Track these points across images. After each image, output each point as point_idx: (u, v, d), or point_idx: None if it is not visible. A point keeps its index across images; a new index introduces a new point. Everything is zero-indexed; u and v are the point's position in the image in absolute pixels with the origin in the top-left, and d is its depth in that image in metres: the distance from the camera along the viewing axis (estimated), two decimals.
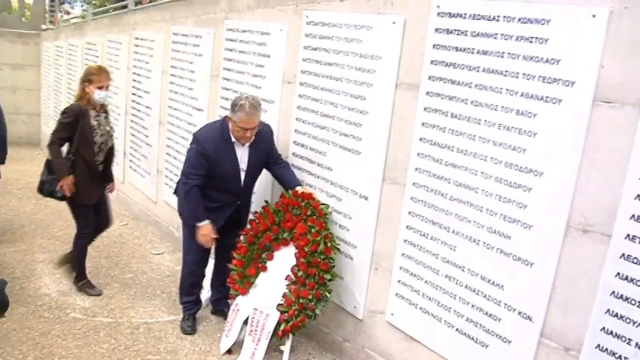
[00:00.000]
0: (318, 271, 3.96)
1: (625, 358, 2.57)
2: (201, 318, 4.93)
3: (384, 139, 3.79)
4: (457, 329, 3.40)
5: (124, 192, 8.22)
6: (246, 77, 5.20)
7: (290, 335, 4.14)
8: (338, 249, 4.11)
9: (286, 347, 4.18)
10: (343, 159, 4.15)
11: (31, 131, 13.56)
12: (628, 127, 2.54)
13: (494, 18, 3.08)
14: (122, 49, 8.33)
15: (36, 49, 13.45)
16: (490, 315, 3.20)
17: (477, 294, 3.26)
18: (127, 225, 7.54)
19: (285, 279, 4.15)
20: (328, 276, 3.97)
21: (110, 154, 5.43)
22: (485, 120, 3.15)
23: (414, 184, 3.61)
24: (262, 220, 4.36)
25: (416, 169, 3.58)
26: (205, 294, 5.13)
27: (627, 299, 2.55)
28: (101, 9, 13.88)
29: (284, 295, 4.09)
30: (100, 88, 5.03)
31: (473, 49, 3.20)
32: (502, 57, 3.05)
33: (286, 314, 4.03)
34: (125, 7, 9.07)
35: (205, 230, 4.36)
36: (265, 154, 4.50)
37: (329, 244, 3.99)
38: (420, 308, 3.63)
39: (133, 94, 7.73)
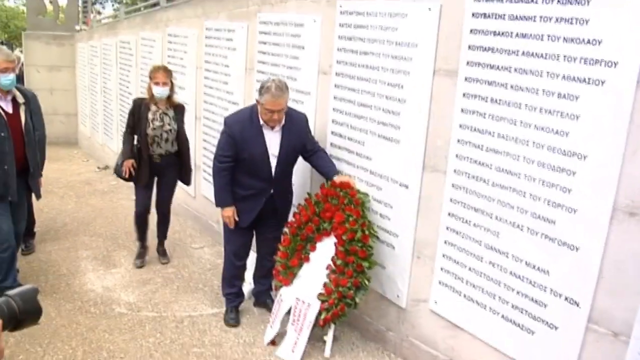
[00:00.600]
0: (356, 259, 3.97)
1: None
2: (244, 310, 4.97)
3: (423, 127, 3.77)
4: (502, 316, 3.38)
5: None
6: (281, 70, 5.21)
7: (332, 325, 4.15)
8: (377, 237, 4.11)
9: (329, 337, 4.20)
10: (382, 148, 4.14)
11: (69, 131, 13.78)
12: None
13: (532, 0, 3.04)
14: (155, 46, 8.41)
15: (71, 49, 13.65)
16: (536, 301, 3.17)
17: (522, 280, 3.23)
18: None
19: (326, 268, 4.16)
20: (366, 264, 3.97)
21: (178, 153, 5.84)
22: (526, 105, 3.11)
23: (455, 170, 3.58)
24: (304, 212, 4.38)
25: (457, 155, 3.56)
26: (248, 286, 5.17)
27: None
28: (133, 7, 13.99)
29: (324, 285, 4.11)
30: (157, 84, 5.50)
31: (511, 32, 3.16)
32: (541, 39, 3.01)
33: (326, 303, 4.05)
34: (157, 4, 9.14)
35: (229, 211, 4.49)
36: (300, 141, 4.50)
37: (366, 232, 3.99)
38: (464, 295, 3.62)
39: None
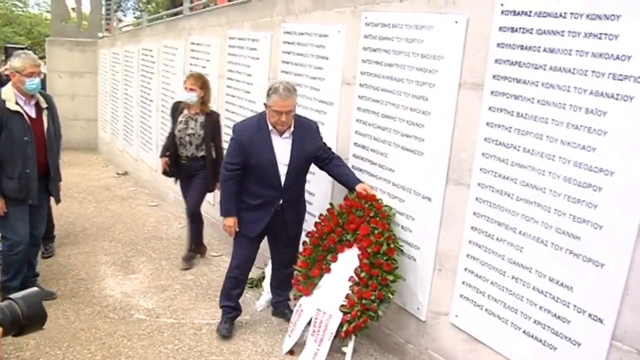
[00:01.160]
0: (381, 272, 3.96)
1: None
2: (262, 319, 4.97)
3: (448, 140, 3.77)
4: (524, 331, 3.36)
5: (181, 196, 8.34)
6: (304, 80, 5.23)
7: (353, 337, 4.15)
8: (401, 250, 4.10)
9: (348, 349, 4.19)
10: (405, 160, 4.14)
11: (89, 136, 13.88)
12: None
13: (560, 15, 3.04)
14: (178, 54, 8.46)
15: (93, 56, 13.78)
16: (559, 317, 3.15)
17: (545, 295, 3.21)
18: (185, 228, 7.64)
19: (349, 280, 4.15)
20: (391, 277, 3.96)
21: (203, 157, 6.02)
22: (553, 119, 3.10)
23: (479, 184, 3.57)
24: (327, 222, 4.38)
25: (481, 169, 3.55)
26: (266, 295, 5.18)
27: None
28: (155, 15, 14.11)
29: (347, 297, 4.10)
30: (185, 89, 5.83)
31: (539, 47, 3.16)
32: (569, 54, 3.01)
33: (349, 315, 4.04)
34: (179, 13, 9.21)
35: (230, 221, 4.47)
36: (312, 150, 4.45)
37: (392, 245, 3.99)
38: (486, 309, 3.60)
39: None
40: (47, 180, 5.08)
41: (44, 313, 1.56)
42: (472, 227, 3.66)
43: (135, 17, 31.68)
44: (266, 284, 5.42)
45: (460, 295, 3.79)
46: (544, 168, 3.17)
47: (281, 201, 4.44)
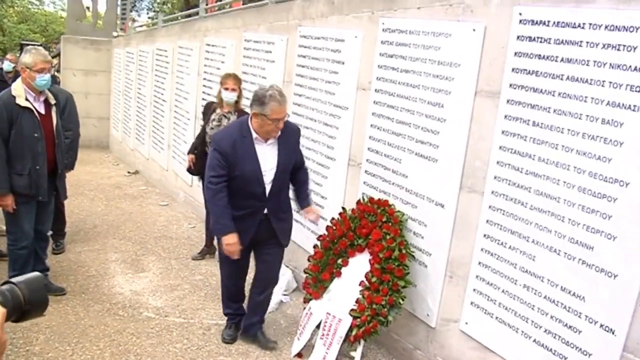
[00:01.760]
0: (392, 277, 3.96)
1: None
2: (271, 321, 4.98)
3: (462, 147, 3.78)
4: (534, 340, 3.36)
5: (191, 195, 8.39)
6: (319, 84, 5.25)
7: (362, 341, 4.14)
8: (413, 256, 4.10)
9: (357, 353, 4.19)
10: (419, 166, 4.14)
11: (101, 134, 14.00)
12: None
13: (579, 25, 3.05)
14: (192, 55, 8.51)
15: (108, 55, 13.90)
16: (570, 327, 3.14)
17: (557, 305, 3.21)
18: (195, 228, 7.69)
19: (359, 284, 4.16)
20: (402, 283, 3.97)
21: None
22: (569, 129, 3.10)
23: (492, 192, 3.58)
24: (339, 226, 4.39)
25: (495, 177, 3.55)
26: (275, 297, 5.19)
27: None
28: (170, 16, 14.18)
29: (357, 301, 4.11)
30: (226, 89, 5.85)
31: (557, 57, 3.16)
32: (587, 65, 3.01)
33: (359, 320, 4.04)
34: (195, 14, 9.25)
35: (230, 239, 4.08)
36: (295, 155, 4.32)
37: (403, 251, 3.99)
38: (497, 318, 3.60)
39: (203, 99, 7.86)
40: (55, 177, 5.10)
41: (46, 298, 1.50)
42: (484, 235, 3.66)
43: (149, 18, 31.81)
44: (276, 286, 5.43)
45: (471, 303, 3.79)
46: (558, 177, 3.17)
47: (265, 210, 4.24)
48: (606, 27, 2.92)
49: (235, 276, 4.56)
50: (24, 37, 32.26)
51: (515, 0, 3.40)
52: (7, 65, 9.21)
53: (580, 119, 3.05)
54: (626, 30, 2.83)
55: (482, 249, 3.68)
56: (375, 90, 4.55)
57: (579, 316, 3.09)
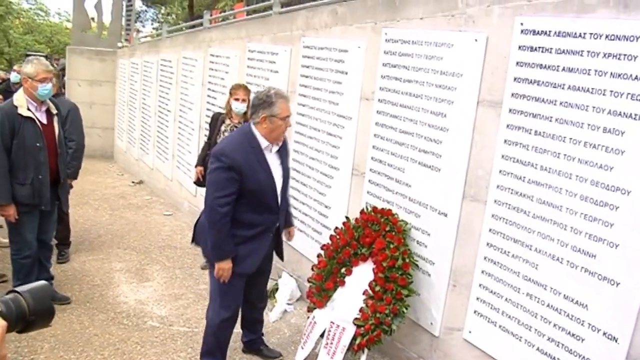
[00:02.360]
0: (396, 286, 3.97)
1: None
2: (275, 330, 5.00)
3: (465, 156, 3.79)
4: (537, 348, 3.36)
5: (196, 205, 8.42)
6: (323, 94, 5.28)
7: (366, 350, 4.14)
8: (416, 265, 4.11)
9: None
10: (422, 175, 4.16)
11: (105, 145, 14.04)
12: None
13: (579, 35, 3.07)
14: (197, 65, 8.55)
15: (112, 65, 13.97)
16: (573, 335, 3.15)
17: (560, 313, 3.22)
18: None
19: (363, 293, 4.17)
20: (405, 292, 3.97)
21: None
22: (571, 138, 3.12)
23: (495, 201, 3.59)
24: (342, 236, 4.40)
25: (498, 186, 3.57)
26: (279, 306, 5.21)
27: None
28: (175, 27, 14.27)
29: (361, 310, 4.11)
30: (236, 100, 5.86)
31: (558, 66, 3.19)
32: (588, 74, 3.04)
33: (362, 328, 4.05)
34: (200, 25, 9.31)
35: (228, 263, 3.87)
36: (289, 162, 4.22)
37: (407, 260, 4.00)
38: (500, 326, 3.60)
39: (208, 109, 7.91)
40: (57, 187, 5.13)
41: (52, 308, 1.44)
42: (487, 244, 3.67)
43: (154, 28, 31.97)
44: (280, 295, 5.45)
45: (475, 312, 3.79)
46: (560, 186, 3.19)
47: (277, 224, 4.12)
48: (607, 36, 2.94)
49: (237, 312, 4.23)
50: (29, 47, 32.45)
51: (517, 11, 3.42)
52: (14, 77, 9.32)
53: (581, 127, 3.07)
54: (627, 39, 2.85)
55: (485, 258, 3.69)
56: (379, 100, 4.57)
57: (582, 324, 3.10)
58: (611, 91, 2.93)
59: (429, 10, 4.11)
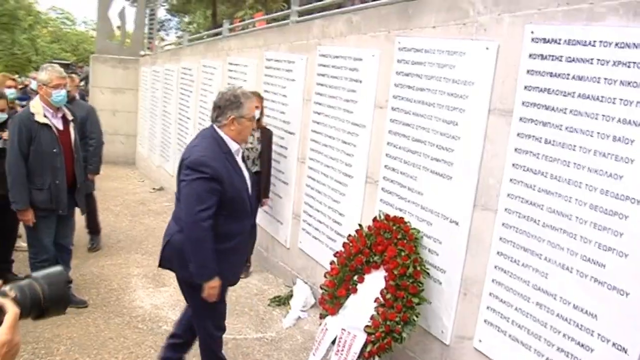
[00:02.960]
0: (406, 294, 3.96)
1: None
2: (287, 337, 5.02)
3: (476, 165, 3.79)
4: (547, 358, 3.34)
5: None
6: (338, 102, 5.31)
7: (376, 358, 4.14)
8: (427, 273, 4.11)
9: None
10: (434, 183, 4.16)
11: (128, 151, 14.19)
12: None
13: (589, 43, 3.06)
14: (216, 73, 8.64)
15: (135, 73, 14.14)
16: (583, 345, 3.13)
17: (569, 322, 3.20)
18: None
19: (374, 301, 4.17)
20: (416, 300, 3.97)
21: (257, 173, 6.12)
22: (581, 147, 3.11)
23: (506, 209, 3.58)
24: (355, 243, 4.40)
25: (508, 194, 3.56)
26: (293, 312, 5.22)
27: None
28: (196, 35, 14.41)
29: (372, 317, 4.11)
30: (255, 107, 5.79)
31: (568, 74, 3.18)
32: (598, 82, 3.02)
33: (373, 336, 4.04)
34: (219, 33, 9.39)
35: (216, 282, 3.64)
36: None
37: (418, 268, 3.99)
38: (510, 335, 3.58)
39: None
40: (74, 191, 5.21)
41: (67, 295, 1.42)
42: (498, 253, 3.66)
43: (177, 37, 32.30)
44: (294, 302, 5.47)
45: (485, 320, 3.78)
46: (570, 195, 3.17)
47: (249, 227, 3.98)
48: (617, 44, 2.93)
49: (223, 320, 4.12)
50: (55, 56, 32.95)
51: (527, 19, 3.42)
52: (34, 84, 9.47)
53: (591, 136, 3.06)
54: (636, 47, 2.84)
55: (495, 267, 3.68)
56: (392, 108, 4.58)
57: (592, 334, 3.08)
58: (621, 99, 2.91)
59: (441, 19, 4.12)
